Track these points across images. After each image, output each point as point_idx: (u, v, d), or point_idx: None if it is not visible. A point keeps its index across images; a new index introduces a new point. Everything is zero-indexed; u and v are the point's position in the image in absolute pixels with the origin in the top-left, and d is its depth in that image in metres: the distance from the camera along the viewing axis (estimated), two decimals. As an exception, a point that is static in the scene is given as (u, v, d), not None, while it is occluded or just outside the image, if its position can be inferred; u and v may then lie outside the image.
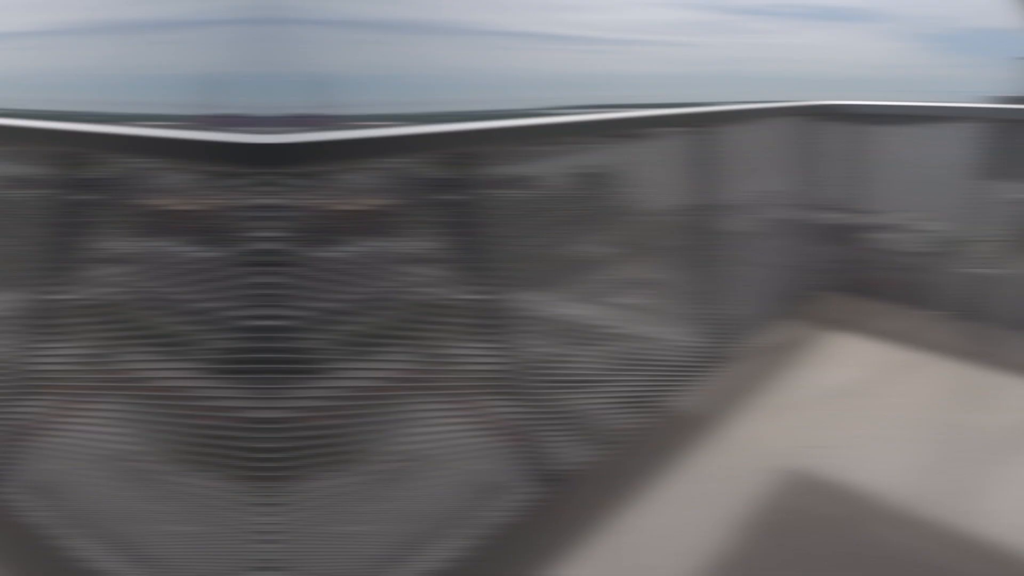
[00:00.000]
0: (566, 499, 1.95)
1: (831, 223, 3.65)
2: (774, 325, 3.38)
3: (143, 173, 1.32)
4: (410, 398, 1.50)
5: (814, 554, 1.77)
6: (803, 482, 2.06)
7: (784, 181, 3.28)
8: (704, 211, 2.59)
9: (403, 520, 1.55)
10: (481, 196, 1.62)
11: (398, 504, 1.53)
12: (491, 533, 1.78)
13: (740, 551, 1.76)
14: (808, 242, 3.57)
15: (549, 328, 1.94)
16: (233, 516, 1.24)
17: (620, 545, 1.76)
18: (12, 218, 1.51)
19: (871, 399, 2.59)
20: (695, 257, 2.67)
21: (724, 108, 2.54)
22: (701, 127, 2.31)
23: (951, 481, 2.04)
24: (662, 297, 2.53)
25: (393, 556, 1.52)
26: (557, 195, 1.87)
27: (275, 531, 1.21)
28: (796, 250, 3.54)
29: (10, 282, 1.53)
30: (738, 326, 3.08)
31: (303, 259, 1.20)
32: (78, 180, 1.30)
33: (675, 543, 1.79)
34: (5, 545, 1.46)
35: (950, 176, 3.12)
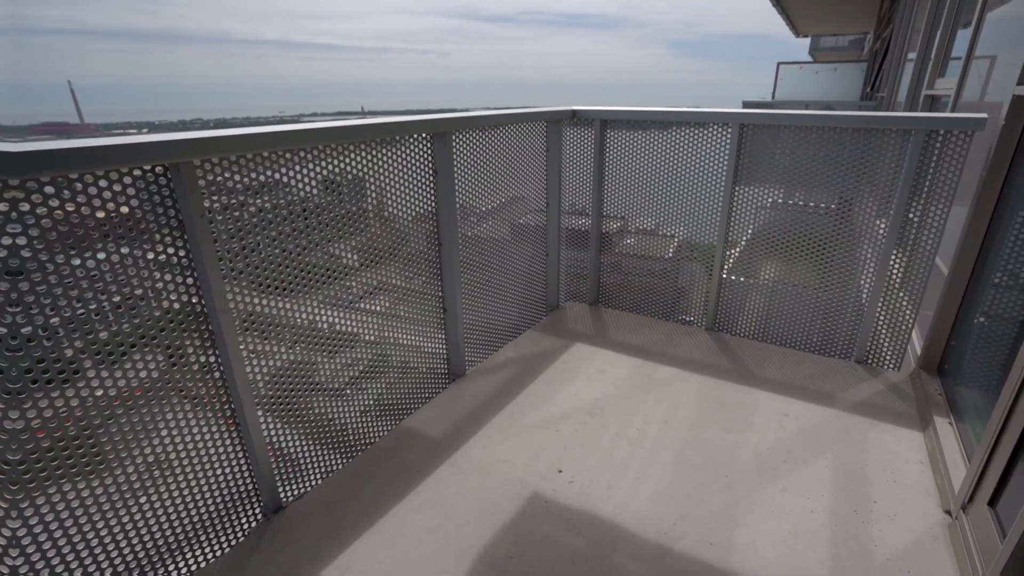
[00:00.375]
0: (298, 523, 1.91)
1: (578, 228, 3.74)
2: (523, 337, 3.40)
3: None
4: (154, 406, 1.48)
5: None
6: (543, 510, 1.97)
7: (531, 187, 3.31)
8: (447, 217, 2.54)
9: (146, 530, 1.54)
10: (224, 203, 1.59)
11: (142, 514, 1.53)
12: (221, 552, 1.77)
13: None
14: (557, 247, 3.66)
15: (297, 335, 1.90)
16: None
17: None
18: None
19: (618, 419, 2.56)
20: (441, 263, 2.64)
21: (467, 115, 2.50)
22: (444, 133, 2.28)
23: (699, 508, 1.98)
24: (409, 304, 2.52)
25: (134, 567, 1.53)
26: (301, 202, 1.82)
27: (19, 542, 1.24)
28: (545, 256, 3.63)
29: None
30: (486, 334, 3.14)
31: (45, 267, 1.20)
32: None
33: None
34: None
35: (696, 180, 3.18)
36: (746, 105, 11.04)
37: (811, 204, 3.03)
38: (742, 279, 3.29)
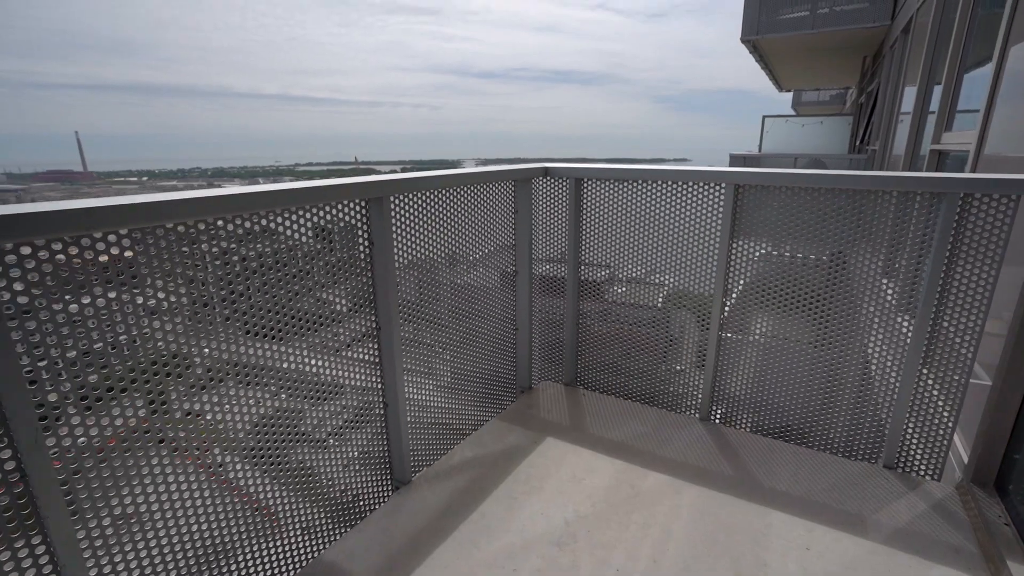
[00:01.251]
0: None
1: (561, 276, 3.29)
2: (486, 429, 2.89)
3: None
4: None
5: None
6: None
7: (496, 253, 2.94)
8: (385, 294, 2.16)
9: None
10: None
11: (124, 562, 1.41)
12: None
13: None
14: (528, 320, 3.23)
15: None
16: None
17: None
18: None
19: (594, 554, 2.02)
20: (380, 349, 2.21)
21: (408, 176, 2.27)
22: (379, 198, 2.05)
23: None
24: (338, 400, 2.16)
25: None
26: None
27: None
28: (514, 331, 3.18)
29: None
30: (438, 430, 2.63)
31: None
32: None
33: None
34: None
35: (684, 235, 2.81)
36: (733, 158, 10.87)
37: (808, 256, 2.56)
38: (740, 336, 2.79)
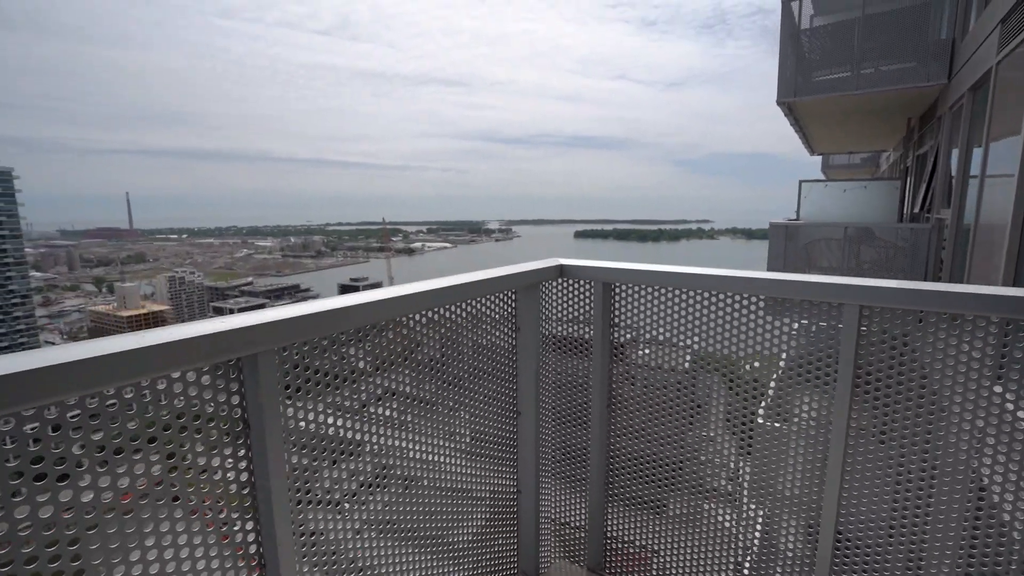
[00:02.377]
0: None
1: (573, 446, 2.30)
2: None
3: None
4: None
5: None
6: None
7: (488, 385, 2.32)
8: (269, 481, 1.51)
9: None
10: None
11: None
12: None
13: None
14: (536, 478, 2.44)
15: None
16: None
17: None
18: None
19: None
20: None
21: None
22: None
23: None
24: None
25: None
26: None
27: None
28: (515, 494, 2.45)
29: None
30: None
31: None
32: None
33: None
34: None
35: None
36: (774, 227, 9.93)
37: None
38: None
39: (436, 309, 1.70)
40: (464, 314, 1.84)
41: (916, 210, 9.89)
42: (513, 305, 2.06)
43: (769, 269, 9.78)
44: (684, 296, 1.98)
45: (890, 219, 11.37)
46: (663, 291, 2.01)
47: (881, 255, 9.73)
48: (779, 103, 10.20)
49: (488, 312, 1.94)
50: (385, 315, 1.50)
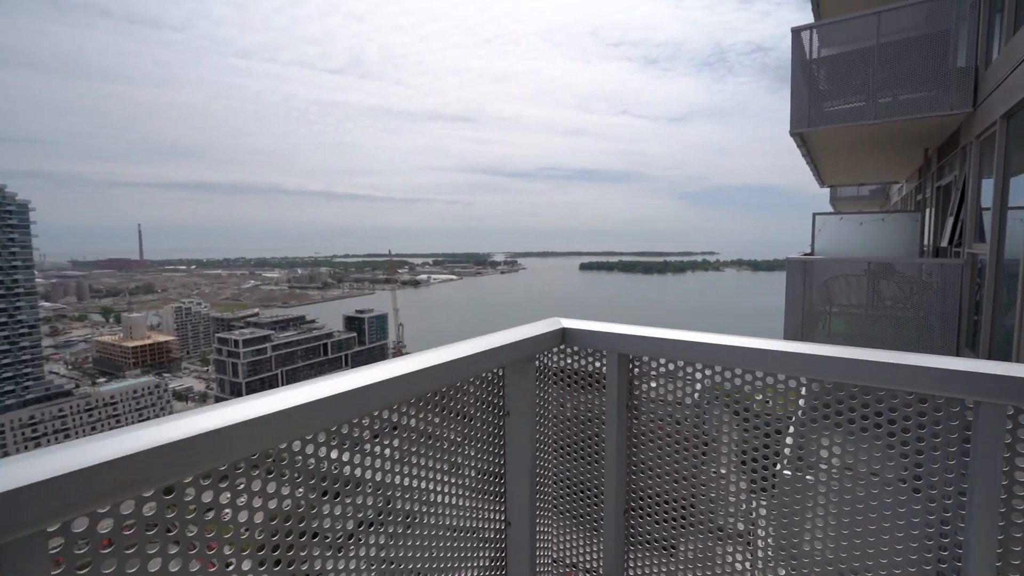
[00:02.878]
0: None
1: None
2: None
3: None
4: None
5: None
6: None
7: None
8: None
9: None
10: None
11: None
12: None
13: None
14: None
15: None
16: None
17: None
18: None
19: None
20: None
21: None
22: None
23: None
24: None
25: None
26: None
27: None
28: None
29: None
30: None
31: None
32: None
33: None
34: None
35: None
36: (791, 263, 9.43)
37: None
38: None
39: (390, 411, 1.21)
40: (433, 409, 1.35)
41: (943, 244, 9.39)
42: (500, 386, 1.57)
43: (788, 309, 9.24)
44: (731, 378, 1.48)
45: (910, 253, 10.87)
46: (702, 371, 1.52)
47: (904, 291, 9.19)
48: (792, 134, 9.83)
49: (466, 399, 1.45)
50: (294, 434, 1.01)
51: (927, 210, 12.45)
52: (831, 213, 12.67)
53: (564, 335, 1.74)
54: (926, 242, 12.05)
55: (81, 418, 72.35)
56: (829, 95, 8.96)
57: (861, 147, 11.73)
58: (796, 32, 9.14)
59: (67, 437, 68.75)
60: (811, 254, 11.77)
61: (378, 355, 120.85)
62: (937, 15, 8.27)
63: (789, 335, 9.74)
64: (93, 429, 70.31)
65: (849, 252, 11.20)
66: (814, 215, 12.64)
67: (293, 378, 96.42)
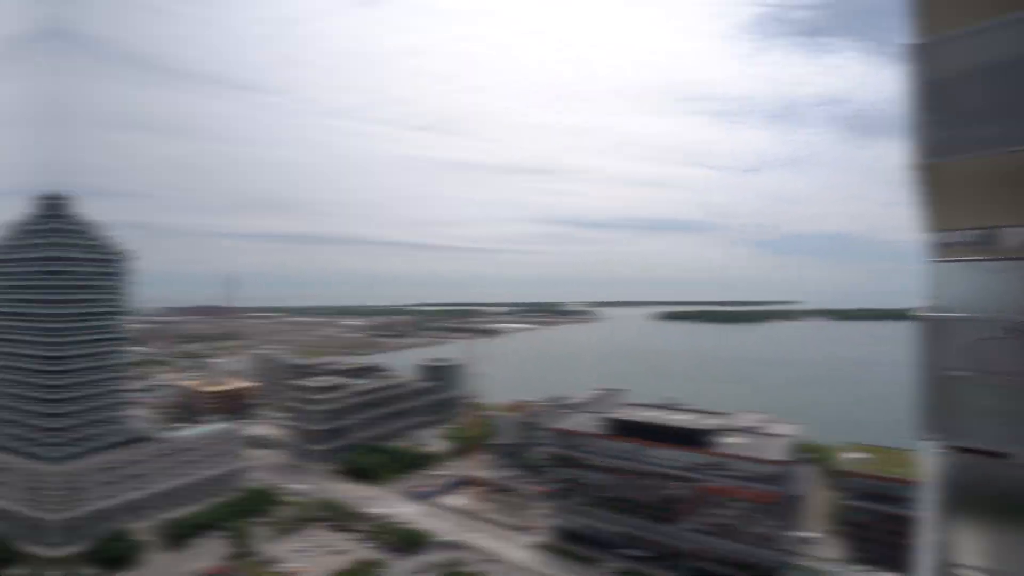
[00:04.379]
0: None
1: None
2: None
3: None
4: None
5: None
6: None
7: None
8: None
9: None
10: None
11: None
12: None
13: None
14: None
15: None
16: None
17: None
18: None
19: None
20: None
21: None
22: None
23: None
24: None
25: None
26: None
27: None
28: None
29: None
30: None
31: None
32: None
33: None
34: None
35: None
36: (927, 322, 7.72)
37: None
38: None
39: None
40: None
41: None
42: None
43: (927, 376, 7.48)
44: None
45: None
46: None
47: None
48: (916, 167, 8.29)
49: None
50: None
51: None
52: (952, 260, 10.74)
53: None
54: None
55: (156, 463, 74.98)
56: (970, 118, 7.43)
57: (1000, 180, 9.90)
58: (919, 47, 7.74)
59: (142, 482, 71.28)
60: (932, 307, 9.89)
61: (454, 404, 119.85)
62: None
63: (926, 405, 7.95)
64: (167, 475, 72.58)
65: (987, 307, 9.29)
66: (931, 263, 10.75)
67: (369, 426, 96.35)
